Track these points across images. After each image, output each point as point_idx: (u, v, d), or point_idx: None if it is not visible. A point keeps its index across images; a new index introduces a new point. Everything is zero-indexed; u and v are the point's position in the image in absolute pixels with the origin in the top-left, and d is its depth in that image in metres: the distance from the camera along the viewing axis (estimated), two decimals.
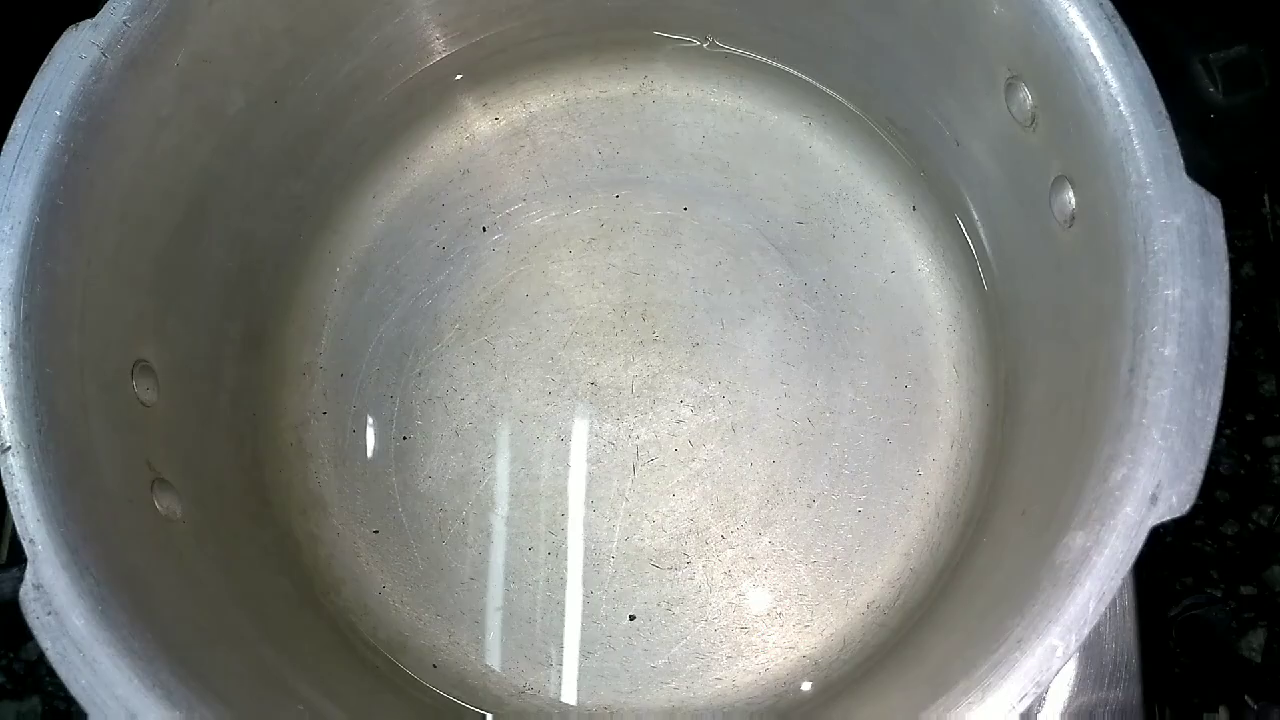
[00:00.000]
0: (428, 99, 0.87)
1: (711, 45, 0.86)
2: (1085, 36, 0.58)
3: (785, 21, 0.83)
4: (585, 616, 0.78)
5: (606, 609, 0.78)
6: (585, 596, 0.78)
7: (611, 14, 0.85)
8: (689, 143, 0.86)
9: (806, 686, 0.76)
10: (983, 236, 0.81)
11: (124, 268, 0.66)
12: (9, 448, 0.56)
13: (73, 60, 0.60)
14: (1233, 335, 0.55)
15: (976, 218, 0.81)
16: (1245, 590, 0.96)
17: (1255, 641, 0.95)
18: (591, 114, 0.87)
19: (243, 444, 0.79)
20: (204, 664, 0.58)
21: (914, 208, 0.85)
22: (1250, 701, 0.90)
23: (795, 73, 0.85)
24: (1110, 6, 0.58)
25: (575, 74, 0.88)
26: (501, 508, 0.80)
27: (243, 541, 0.75)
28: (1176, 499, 0.53)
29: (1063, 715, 0.73)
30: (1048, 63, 0.60)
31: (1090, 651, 0.73)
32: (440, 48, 0.85)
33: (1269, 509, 0.97)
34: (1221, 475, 0.98)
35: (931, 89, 0.77)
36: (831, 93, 0.86)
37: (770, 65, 0.86)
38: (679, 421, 0.81)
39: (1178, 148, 0.56)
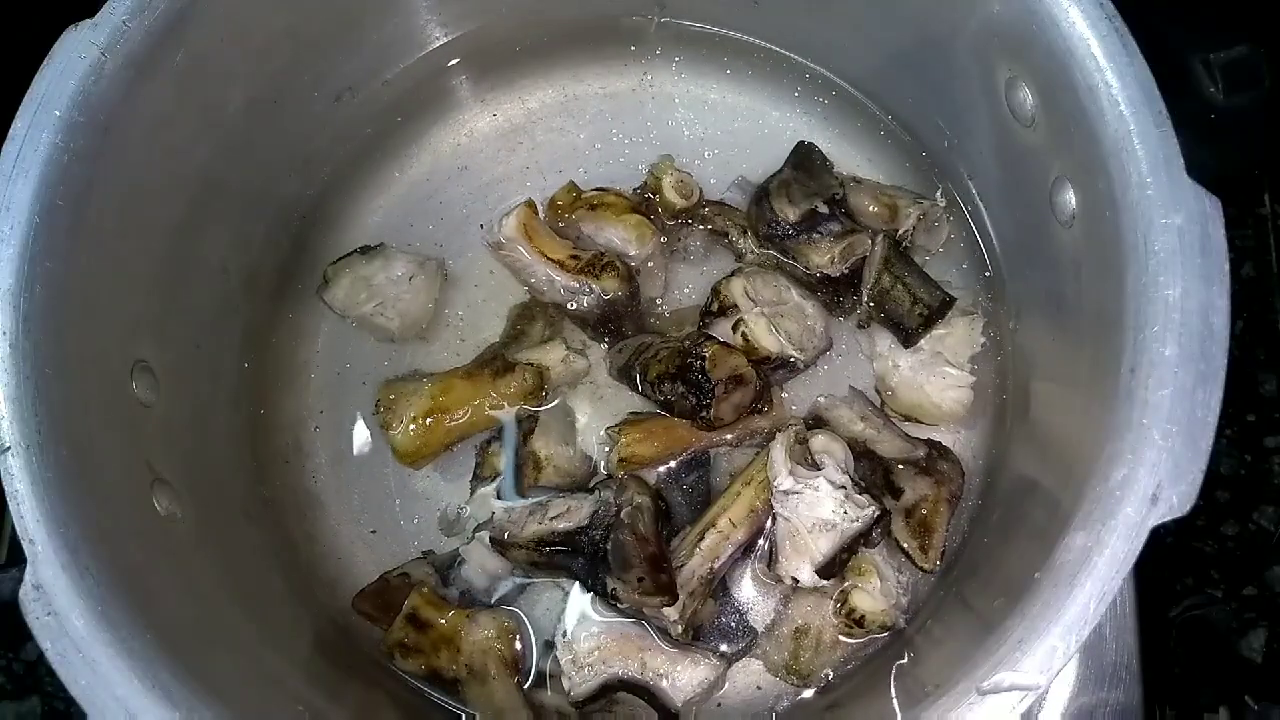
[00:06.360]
0: (427, 96, 0.87)
1: (717, 33, 0.86)
2: (1086, 36, 0.58)
3: (787, 21, 0.83)
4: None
5: None
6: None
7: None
8: (689, 138, 0.86)
9: (808, 691, 0.76)
10: (982, 236, 0.81)
11: (124, 268, 0.66)
12: (8, 448, 0.56)
13: (73, 60, 0.61)
14: (1233, 335, 0.55)
15: (978, 217, 0.81)
16: (1246, 591, 0.96)
17: (1256, 642, 0.95)
18: (590, 110, 0.87)
19: (241, 444, 0.79)
20: (203, 664, 0.58)
21: None
22: (1251, 702, 0.90)
23: (796, 57, 0.85)
24: (1111, 6, 0.58)
25: (574, 70, 0.88)
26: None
27: (241, 541, 0.75)
28: (1177, 499, 0.53)
29: (1063, 716, 0.73)
30: (1048, 62, 0.60)
31: (1091, 652, 0.73)
32: (439, 45, 0.86)
33: (1270, 509, 0.97)
34: (1222, 475, 0.98)
35: (932, 87, 0.77)
36: (830, 89, 0.86)
37: (771, 60, 0.86)
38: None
39: (1178, 148, 0.56)
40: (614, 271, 0.77)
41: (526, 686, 0.75)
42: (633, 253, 0.78)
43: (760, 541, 0.74)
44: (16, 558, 0.65)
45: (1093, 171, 0.58)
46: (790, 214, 0.77)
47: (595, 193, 0.81)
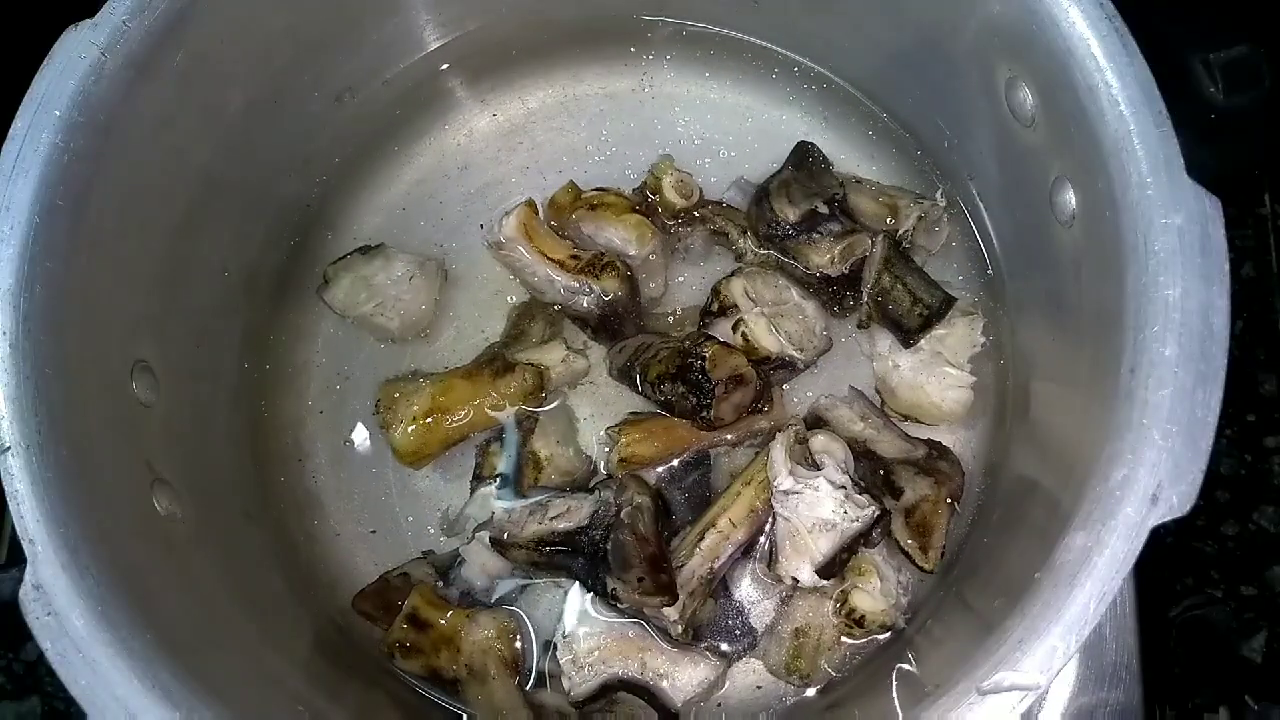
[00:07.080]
0: (426, 96, 0.87)
1: (717, 33, 0.86)
2: (1086, 36, 0.58)
3: (787, 21, 0.83)
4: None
5: None
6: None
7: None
8: (689, 138, 0.86)
9: (808, 691, 0.76)
10: (982, 236, 0.81)
11: (124, 268, 0.66)
12: (8, 448, 0.56)
13: (73, 60, 0.61)
14: (1233, 335, 0.55)
15: (978, 217, 0.81)
16: (1246, 591, 0.96)
17: (1256, 642, 0.95)
18: (590, 110, 0.87)
19: (241, 444, 0.79)
20: (203, 664, 0.58)
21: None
22: (1251, 702, 0.90)
23: (796, 56, 0.85)
24: (1111, 6, 0.58)
25: (574, 70, 0.88)
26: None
27: (241, 541, 0.75)
28: (1177, 499, 0.53)
29: (1063, 716, 0.73)
30: (1048, 62, 0.60)
31: (1091, 652, 0.73)
32: (439, 46, 0.86)
33: (1270, 509, 0.97)
34: (1222, 475, 0.98)
35: (932, 87, 0.77)
36: (830, 89, 0.86)
37: (770, 59, 0.86)
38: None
39: (1178, 148, 0.56)
40: (614, 271, 0.77)
41: (527, 687, 0.74)
42: (633, 253, 0.78)
43: (760, 541, 0.74)
44: (16, 558, 0.65)
45: (1093, 171, 0.58)
46: (790, 214, 0.77)
47: (595, 193, 0.81)
